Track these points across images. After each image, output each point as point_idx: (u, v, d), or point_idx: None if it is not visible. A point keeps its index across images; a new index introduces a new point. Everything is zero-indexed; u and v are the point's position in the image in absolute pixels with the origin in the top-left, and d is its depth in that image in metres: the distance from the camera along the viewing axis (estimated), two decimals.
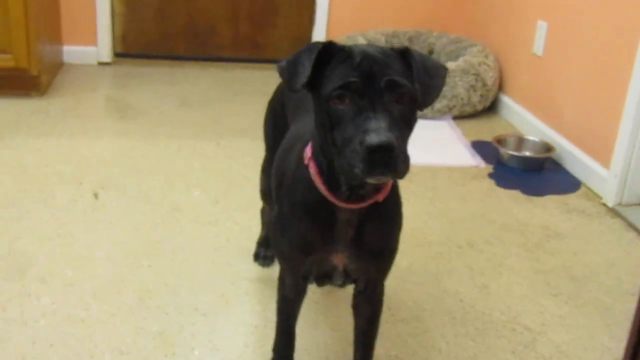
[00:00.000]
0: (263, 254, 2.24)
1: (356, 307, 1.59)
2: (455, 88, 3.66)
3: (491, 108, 3.92)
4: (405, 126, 1.23)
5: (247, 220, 2.48)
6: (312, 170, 1.34)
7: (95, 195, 2.60)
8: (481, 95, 3.75)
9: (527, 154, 3.23)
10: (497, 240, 2.50)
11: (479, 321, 2.03)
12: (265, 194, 2.07)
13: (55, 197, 2.57)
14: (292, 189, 1.42)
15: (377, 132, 1.13)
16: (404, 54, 1.27)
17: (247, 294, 2.07)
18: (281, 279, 1.60)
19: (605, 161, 2.90)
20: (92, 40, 4.26)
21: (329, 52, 1.25)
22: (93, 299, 2.00)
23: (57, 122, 3.30)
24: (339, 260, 1.41)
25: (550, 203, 2.85)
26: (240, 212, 2.56)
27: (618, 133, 2.78)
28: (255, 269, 2.21)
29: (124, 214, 2.49)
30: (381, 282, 1.56)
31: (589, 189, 2.99)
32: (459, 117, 3.75)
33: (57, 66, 4.08)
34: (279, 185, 1.54)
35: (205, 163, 2.96)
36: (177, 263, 2.21)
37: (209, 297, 2.05)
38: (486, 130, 3.63)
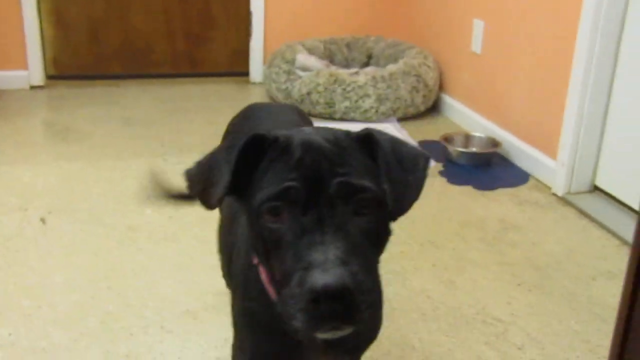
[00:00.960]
0: None
1: None
2: (398, 90, 3.69)
3: (434, 108, 3.97)
4: (371, 246, 0.89)
5: (205, 233, 2.43)
6: (264, 275, 1.01)
7: (43, 221, 2.50)
8: (424, 96, 3.79)
9: (475, 150, 3.28)
10: (458, 236, 2.52)
11: (450, 316, 2.03)
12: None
13: (1, 226, 2.45)
14: (244, 292, 1.10)
15: (324, 269, 0.78)
16: (365, 141, 0.93)
17: (215, 308, 2.02)
18: None
19: (552, 152, 2.96)
20: (22, 64, 4.12)
21: (260, 144, 0.92)
22: (54, 327, 1.91)
23: None
24: None
25: (502, 196, 2.89)
26: (196, 226, 2.50)
27: (563, 123, 2.85)
28: (221, 282, 2.15)
29: (77, 239, 2.40)
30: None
31: (538, 180, 3.05)
32: (403, 119, 3.78)
33: None
34: (228, 274, 1.29)
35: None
36: (140, 283, 2.14)
37: (175, 314, 1.98)
38: (431, 130, 3.67)
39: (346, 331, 0.84)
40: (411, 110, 3.78)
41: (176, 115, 3.78)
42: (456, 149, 3.22)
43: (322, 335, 0.86)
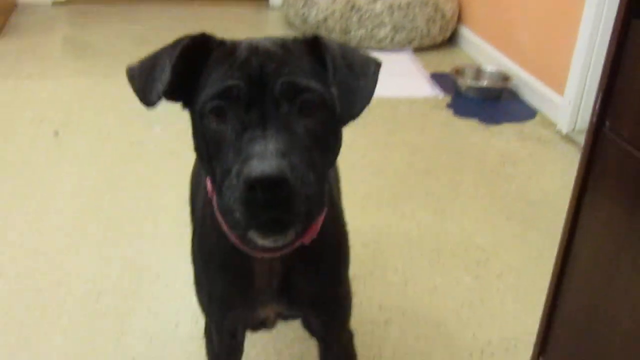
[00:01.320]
0: None
1: None
2: (415, 20, 3.68)
3: (450, 40, 3.95)
4: (317, 150, 0.87)
5: None
6: (215, 207, 0.99)
7: (56, 133, 2.60)
8: (440, 27, 3.77)
9: (485, 84, 3.29)
10: (455, 168, 2.57)
11: (434, 242, 2.10)
12: None
13: (16, 136, 2.56)
14: (201, 228, 1.11)
15: (261, 158, 0.78)
16: (313, 45, 0.91)
17: None
18: (206, 333, 1.29)
19: (559, 89, 2.96)
20: None
21: (205, 48, 0.91)
22: (60, 232, 2.03)
23: (13, 64, 3.26)
24: (268, 312, 1.12)
25: (507, 131, 2.91)
26: None
27: (572, 61, 2.84)
28: None
29: (86, 152, 2.50)
30: (342, 330, 1.26)
31: (544, 117, 3.06)
32: (419, 50, 3.78)
33: (10, 7, 4.00)
34: (192, 211, 1.28)
35: (164, 104, 2.95)
36: (139, 196, 2.24)
37: (171, 225, 2.09)
38: (446, 62, 3.66)
39: (286, 238, 0.85)
40: (427, 41, 3.77)
41: None
42: (465, 82, 3.22)
43: (260, 240, 0.86)
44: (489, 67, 3.39)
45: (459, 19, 3.93)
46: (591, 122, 1.04)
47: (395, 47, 3.69)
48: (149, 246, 1.99)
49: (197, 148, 0.92)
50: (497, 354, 1.68)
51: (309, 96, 0.85)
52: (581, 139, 2.83)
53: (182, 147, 2.55)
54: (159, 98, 0.88)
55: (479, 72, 3.37)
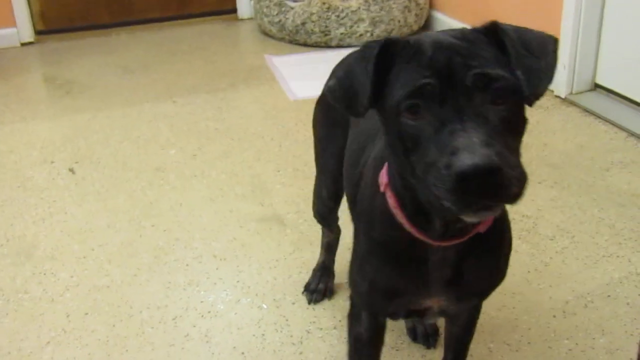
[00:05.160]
0: (314, 287, 1.82)
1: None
2: (391, 12, 3.73)
3: (426, 26, 4.02)
4: (511, 135, 0.89)
5: (231, 167, 2.51)
6: (391, 201, 1.04)
7: (72, 171, 2.56)
8: (416, 15, 3.83)
9: None
10: None
11: None
12: (323, 217, 1.75)
13: (33, 180, 2.51)
14: (368, 221, 1.14)
15: (470, 150, 0.80)
16: (491, 32, 0.94)
17: (259, 234, 2.11)
18: (354, 316, 1.29)
19: None
20: (10, 22, 4.07)
21: (390, 51, 0.93)
22: (110, 265, 2.00)
23: (2, 110, 3.18)
24: (434, 302, 1.14)
25: None
26: (221, 161, 2.58)
27: (561, 23, 2.92)
28: (258, 210, 2.25)
29: (108, 184, 2.46)
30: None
31: None
32: None
33: None
34: (353, 206, 1.29)
35: (170, 123, 2.93)
36: (180, 218, 2.22)
37: (222, 243, 2.08)
38: None
39: (496, 212, 0.88)
40: (405, 31, 3.82)
41: (172, 59, 3.79)
42: None
43: (471, 219, 0.91)
44: None
45: (432, 4, 3.99)
46: None
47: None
48: (205, 265, 1.98)
49: (391, 145, 0.95)
50: (578, 311, 1.73)
51: (499, 85, 0.87)
52: (580, 100, 2.93)
53: (202, 166, 2.55)
54: (366, 110, 0.93)
55: None
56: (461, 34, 0.93)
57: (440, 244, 1.02)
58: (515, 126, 0.90)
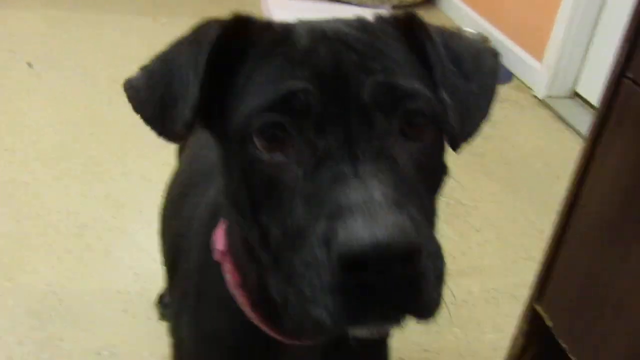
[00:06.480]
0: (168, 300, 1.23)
1: None
2: None
3: (430, 1, 3.95)
4: (427, 190, 0.59)
5: None
6: (230, 277, 0.70)
7: (30, 65, 2.52)
8: None
9: None
10: None
11: None
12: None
13: None
14: (195, 305, 0.78)
15: (368, 214, 0.48)
16: (406, 27, 0.62)
17: None
18: None
19: (538, 54, 2.99)
20: None
21: (241, 35, 0.60)
22: (37, 164, 1.98)
23: None
24: None
25: None
26: None
27: (554, 26, 2.87)
28: None
29: (63, 86, 2.42)
30: None
31: (521, 81, 3.09)
32: (399, 7, 3.75)
33: None
34: (171, 281, 0.90)
35: (144, 39, 2.88)
36: (121, 133, 2.19)
37: (155, 165, 2.05)
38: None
39: (400, 323, 0.55)
40: (408, 0, 3.75)
41: None
42: None
43: (359, 332, 0.54)
44: (468, 30, 3.40)
45: None
46: (612, 73, 1.05)
47: (375, 2, 3.66)
48: (131, 183, 1.96)
49: (232, 192, 0.60)
50: (478, 304, 1.72)
51: (415, 105, 0.56)
52: (556, 104, 2.89)
53: None
54: (189, 126, 0.58)
55: None
56: (359, 22, 0.61)
57: (297, 342, 0.69)
58: (433, 175, 0.60)
